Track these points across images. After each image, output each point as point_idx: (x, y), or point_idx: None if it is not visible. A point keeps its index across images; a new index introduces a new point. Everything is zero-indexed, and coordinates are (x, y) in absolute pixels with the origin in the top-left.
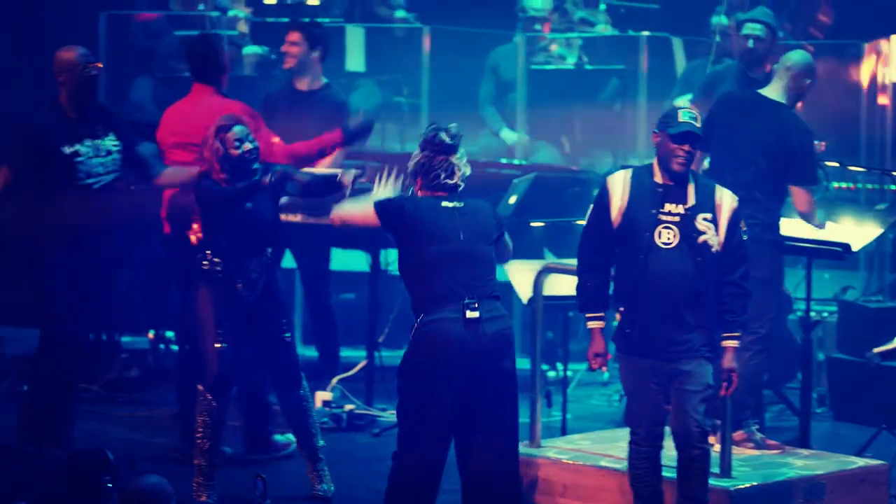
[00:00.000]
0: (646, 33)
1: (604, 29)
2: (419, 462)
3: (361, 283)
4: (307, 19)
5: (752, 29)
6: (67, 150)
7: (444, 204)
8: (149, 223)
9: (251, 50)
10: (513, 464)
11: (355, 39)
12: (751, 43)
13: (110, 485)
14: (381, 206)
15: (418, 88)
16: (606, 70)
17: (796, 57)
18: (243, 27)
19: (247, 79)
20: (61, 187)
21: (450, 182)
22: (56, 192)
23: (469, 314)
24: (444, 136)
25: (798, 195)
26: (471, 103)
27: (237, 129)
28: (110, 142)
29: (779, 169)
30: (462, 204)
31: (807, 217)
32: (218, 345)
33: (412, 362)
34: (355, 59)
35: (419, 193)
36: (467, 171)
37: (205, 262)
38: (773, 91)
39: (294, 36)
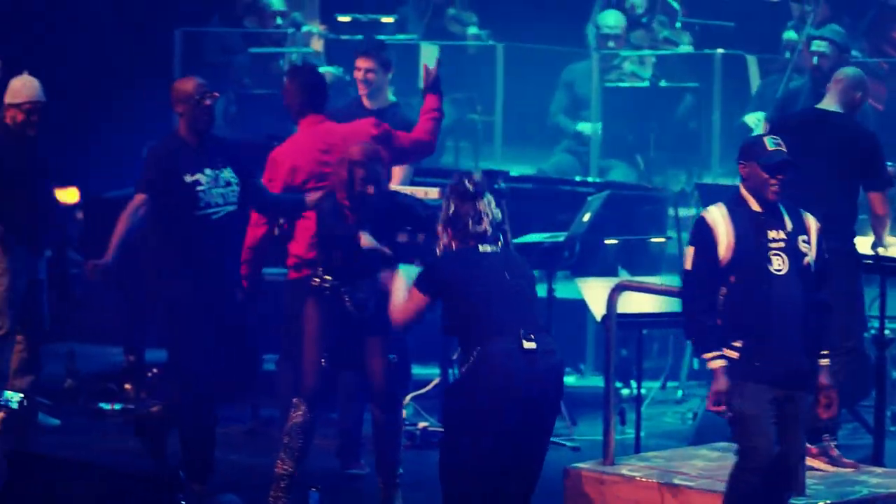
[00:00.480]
0: (720, 51)
1: (679, 46)
2: (492, 488)
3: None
4: (382, 36)
5: (816, 46)
6: (189, 178)
7: (482, 249)
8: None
9: (326, 70)
10: (531, 490)
11: (429, 57)
12: (815, 60)
13: (184, 503)
14: (422, 284)
15: (492, 106)
16: (681, 88)
17: (847, 71)
18: (318, 45)
19: None
20: (182, 216)
21: (479, 228)
22: (178, 220)
23: (526, 344)
24: (466, 184)
25: (875, 200)
26: (545, 121)
27: (369, 168)
28: (228, 173)
29: (853, 178)
30: (498, 249)
31: (882, 222)
32: (321, 360)
33: (475, 394)
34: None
35: (452, 245)
36: (498, 215)
37: (315, 279)
38: (828, 105)
39: (369, 63)
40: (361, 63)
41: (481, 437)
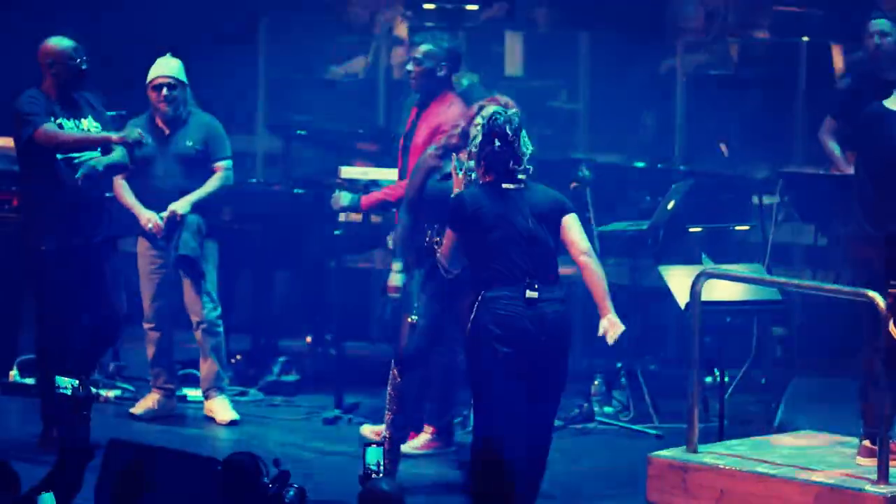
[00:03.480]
0: (805, 39)
1: (763, 34)
2: (492, 430)
3: None
4: (469, 25)
5: (876, 25)
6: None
7: (505, 186)
8: (308, 225)
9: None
10: (545, 442)
11: (513, 44)
12: (876, 39)
13: (272, 486)
14: (452, 221)
15: (576, 94)
16: (764, 75)
17: None
18: (402, 31)
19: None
20: (47, 167)
21: (511, 167)
22: (44, 168)
23: (529, 294)
24: (501, 120)
25: None
26: (629, 108)
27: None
28: (90, 122)
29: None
30: (524, 186)
31: None
32: (410, 319)
33: (475, 337)
34: (513, 64)
35: (484, 179)
36: (529, 151)
37: (428, 239)
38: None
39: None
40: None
41: (494, 390)
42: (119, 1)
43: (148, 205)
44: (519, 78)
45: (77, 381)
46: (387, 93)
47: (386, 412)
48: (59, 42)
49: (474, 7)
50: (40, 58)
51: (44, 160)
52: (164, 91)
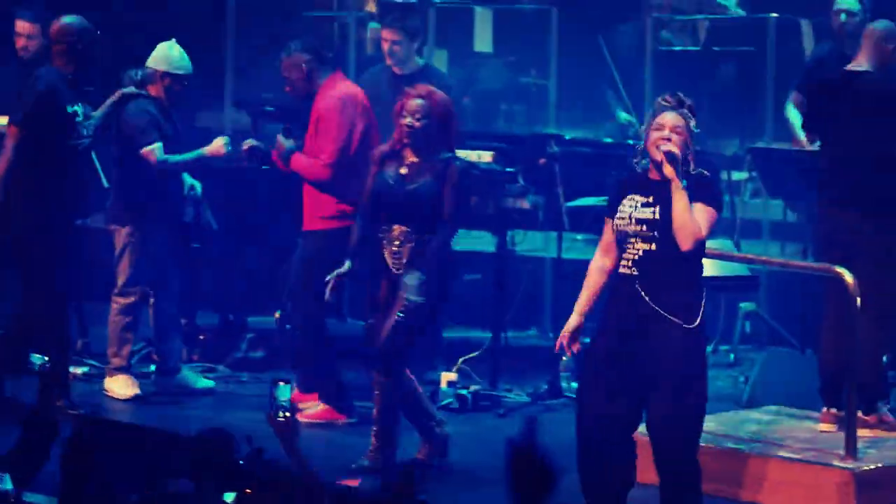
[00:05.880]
0: (774, 15)
1: (732, 11)
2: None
3: (487, 264)
4: (439, 1)
5: (842, 3)
6: (70, 109)
7: None
8: (282, 203)
9: (375, 25)
10: None
11: (483, 20)
12: (843, 17)
13: (242, 462)
14: (717, 202)
15: (546, 70)
16: (733, 52)
17: (877, 24)
18: (372, 6)
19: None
20: (60, 146)
21: None
22: (57, 150)
23: None
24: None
25: None
26: (598, 85)
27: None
28: (85, 107)
29: (891, 144)
30: None
31: None
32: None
33: (705, 333)
34: (483, 40)
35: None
36: None
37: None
38: (860, 64)
39: (393, 34)
40: (386, 35)
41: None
42: None
43: (168, 185)
44: (488, 54)
45: (45, 358)
46: (357, 70)
47: None
48: (77, 20)
49: None
50: (58, 37)
51: (37, 142)
52: (186, 81)
